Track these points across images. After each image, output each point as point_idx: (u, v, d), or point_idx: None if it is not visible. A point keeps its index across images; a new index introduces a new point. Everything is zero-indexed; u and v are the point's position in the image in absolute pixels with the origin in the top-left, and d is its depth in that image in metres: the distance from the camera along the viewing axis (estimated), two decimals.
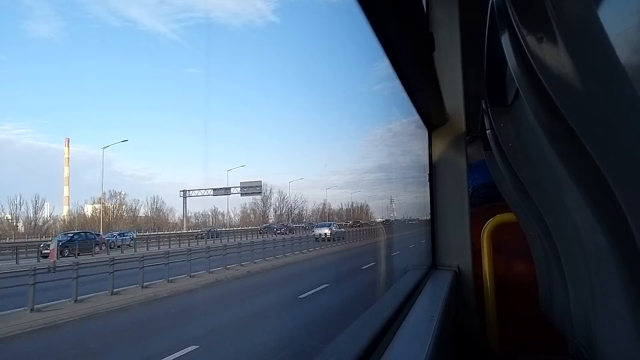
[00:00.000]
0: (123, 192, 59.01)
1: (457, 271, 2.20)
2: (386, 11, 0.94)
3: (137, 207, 61.58)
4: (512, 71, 0.71)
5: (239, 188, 57.62)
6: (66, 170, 53.15)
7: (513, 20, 0.58)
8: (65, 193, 52.72)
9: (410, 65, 1.35)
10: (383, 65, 1.39)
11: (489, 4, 0.77)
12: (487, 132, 1.40)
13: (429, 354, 1.02)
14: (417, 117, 2.13)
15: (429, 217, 2.40)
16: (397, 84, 1.51)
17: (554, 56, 0.52)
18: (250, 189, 57.75)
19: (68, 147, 53.31)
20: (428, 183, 2.36)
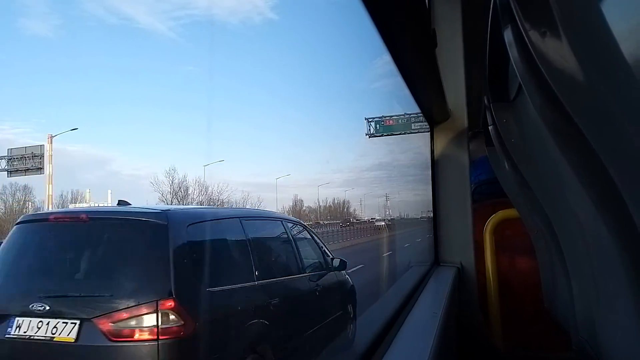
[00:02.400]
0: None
1: (459, 268, 2.20)
2: (388, 7, 0.94)
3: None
4: (514, 66, 0.70)
5: (5, 162, 29.10)
6: (49, 167, 51.34)
7: (516, 15, 0.57)
8: (49, 192, 50.99)
9: (412, 61, 1.35)
10: (385, 62, 1.39)
11: None
12: (489, 127, 1.39)
13: (433, 351, 1.02)
14: (418, 113, 2.13)
15: (429, 215, 2.40)
16: (399, 80, 1.51)
17: (557, 51, 0.51)
18: (22, 161, 29.70)
19: (51, 143, 51.04)
20: (430, 180, 2.36)
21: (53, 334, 2.55)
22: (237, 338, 2.93)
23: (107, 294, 2.69)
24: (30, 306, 2.62)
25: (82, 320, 2.55)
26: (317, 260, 4.27)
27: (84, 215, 3.20)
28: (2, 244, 3.22)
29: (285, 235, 4.03)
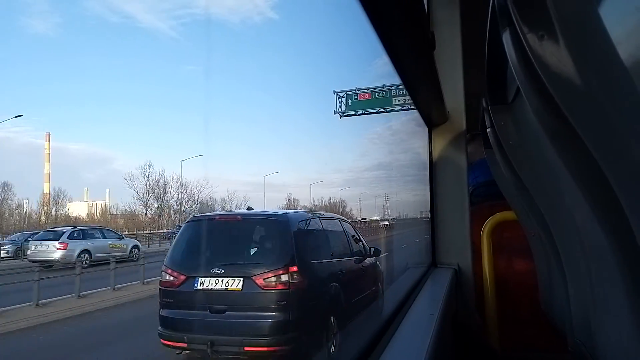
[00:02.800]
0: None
1: (456, 269, 2.21)
2: (387, 9, 0.94)
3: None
4: (512, 69, 0.71)
5: None
6: (47, 166, 48.11)
7: (514, 18, 0.58)
8: (46, 190, 49.06)
9: (411, 63, 1.35)
10: (383, 63, 1.40)
11: (490, 2, 0.77)
12: (487, 130, 1.39)
13: (429, 352, 1.02)
14: (417, 115, 2.14)
15: (425, 215, 2.41)
16: (397, 81, 1.51)
17: (555, 54, 0.52)
18: None
19: (49, 141, 47.81)
20: (428, 181, 2.37)
21: (226, 286, 4.51)
22: (325, 292, 4.87)
23: (259, 262, 4.70)
24: (211, 270, 4.56)
25: (244, 278, 4.51)
26: (359, 249, 6.20)
27: (239, 217, 5.62)
28: (177, 235, 5.44)
29: (341, 230, 6.06)
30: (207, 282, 4.54)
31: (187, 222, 5.92)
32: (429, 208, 2.42)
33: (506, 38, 0.68)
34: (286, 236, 4.81)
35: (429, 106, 2.04)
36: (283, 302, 4.39)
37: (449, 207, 2.30)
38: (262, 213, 5.99)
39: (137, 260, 13.70)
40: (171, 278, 4.77)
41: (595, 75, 0.49)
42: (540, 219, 1.36)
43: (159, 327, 4.72)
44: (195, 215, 6.75)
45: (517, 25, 0.57)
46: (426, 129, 2.37)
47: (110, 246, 15.29)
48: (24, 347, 6.75)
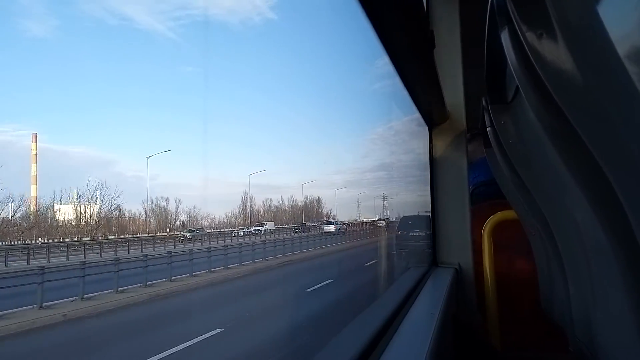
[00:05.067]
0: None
1: (457, 269, 2.20)
2: (386, 8, 0.94)
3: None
4: (512, 68, 0.70)
5: None
6: (34, 168, 46.29)
7: (513, 17, 0.57)
8: (33, 193, 45.71)
9: (411, 62, 1.35)
10: (383, 63, 1.39)
11: (489, 1, 0.76)
12: (487, 129, 1.39)
13: (430, 351, 1.02)
14: (417, 114, 2.14)
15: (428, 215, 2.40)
16: (397, 81, 1.51)
17: (554, 53, 0.52)
18: None
19: (36, 142, 46.42)
20: (428, 181, 2.37)
21: (419, 234, 9.48)
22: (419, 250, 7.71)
23: (423, 229, 7.90)
24: (414, 230, 12.21)
25: (424, 232, 7.93)
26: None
27: (420, 215, 9.24)
28: (399, 221, 15.65)
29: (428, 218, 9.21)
30: (414, 233, 11.91)
31: (403, 217, 15.14)
32: (429, 208, 2.42)
33: (505, 37, 0.68)
34: (428, 222, 10.91)
35: (429, 106, 2.04)
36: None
37: (450, 206, 2.30)
38: (422, 213, 14.62)
39: (344, 234, 40.31)
40: (400, 233, 14.01)
41: (594, 73, 0.49)
42: (541, 218, 1.35)
43: (395, 246, 13.87)
44: (405, 214, 15.55)
45: (515, 24, 0.57)
46: (426, 129, 2.37)
47: (337, 227, 43.26)
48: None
